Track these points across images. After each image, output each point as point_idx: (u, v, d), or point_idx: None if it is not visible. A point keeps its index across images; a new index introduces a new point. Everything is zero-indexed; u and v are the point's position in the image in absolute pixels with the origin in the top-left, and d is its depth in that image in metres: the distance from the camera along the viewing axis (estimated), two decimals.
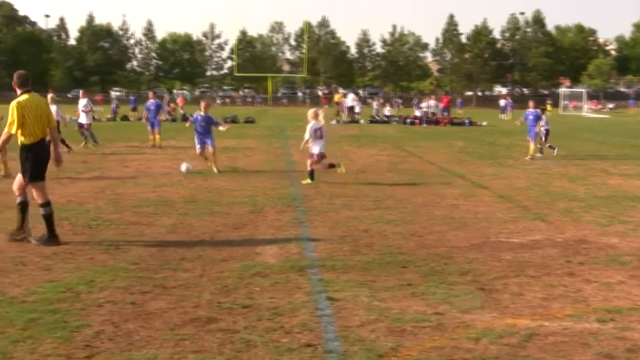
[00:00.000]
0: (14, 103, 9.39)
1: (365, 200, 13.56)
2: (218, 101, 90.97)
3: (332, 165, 16.57)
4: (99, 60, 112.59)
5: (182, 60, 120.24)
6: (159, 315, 6.44)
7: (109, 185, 15.20)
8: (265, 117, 55.34)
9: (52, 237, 9.45)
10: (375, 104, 57.33)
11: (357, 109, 51.72)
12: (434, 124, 46.36)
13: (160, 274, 7.88)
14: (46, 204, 9.51)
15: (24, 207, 9.61)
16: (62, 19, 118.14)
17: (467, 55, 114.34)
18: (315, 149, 16.04)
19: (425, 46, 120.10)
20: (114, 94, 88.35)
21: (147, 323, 6.23)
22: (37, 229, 9.65)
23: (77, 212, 11.79)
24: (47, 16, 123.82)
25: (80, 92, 28.51)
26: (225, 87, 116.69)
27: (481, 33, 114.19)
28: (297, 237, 10.12)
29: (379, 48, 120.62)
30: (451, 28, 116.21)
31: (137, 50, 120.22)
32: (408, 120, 48.07)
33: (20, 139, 9.45)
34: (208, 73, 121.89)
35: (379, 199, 13.73)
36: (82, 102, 26.81)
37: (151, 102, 26.95)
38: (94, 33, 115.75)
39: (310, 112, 16.41)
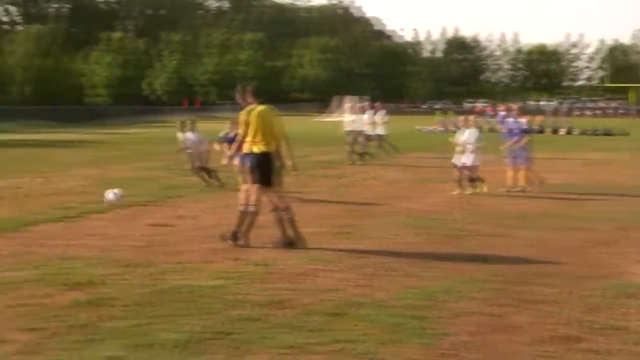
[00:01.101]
0: (254, 112, 9.79)
1: None
2: (588, 112, 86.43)
3: (472, 180, 15.92)
4: (458, 72, 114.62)
5: (545, 70, 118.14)
6: (521, 329, 6.45)
7: (463, 196, 15.49)
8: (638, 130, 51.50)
9: (286, 241, 9.79)
10: None
11: None
12: None
13: (519, 288, 7.87)
14: (275, 209, 9.85)
15: (246, 215, 9.87)
16: (428, 32, 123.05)
17: None
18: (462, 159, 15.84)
19: None
20: (479, 105, 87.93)
21: (510, 336, 6.27)
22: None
23: (441, 222, 12.22)
24: (413, 30, 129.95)
25: (376, 104, 27.90)
26: (594, 98, 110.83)
27: None
28: None
29: None
30: None
31: (501, 61, 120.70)
32: None
33: (254, 147, 9.81)
34: (573, 84, 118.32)
35: None
36: (381, 113, 26.43)
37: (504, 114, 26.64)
38: (454, 45, 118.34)
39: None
